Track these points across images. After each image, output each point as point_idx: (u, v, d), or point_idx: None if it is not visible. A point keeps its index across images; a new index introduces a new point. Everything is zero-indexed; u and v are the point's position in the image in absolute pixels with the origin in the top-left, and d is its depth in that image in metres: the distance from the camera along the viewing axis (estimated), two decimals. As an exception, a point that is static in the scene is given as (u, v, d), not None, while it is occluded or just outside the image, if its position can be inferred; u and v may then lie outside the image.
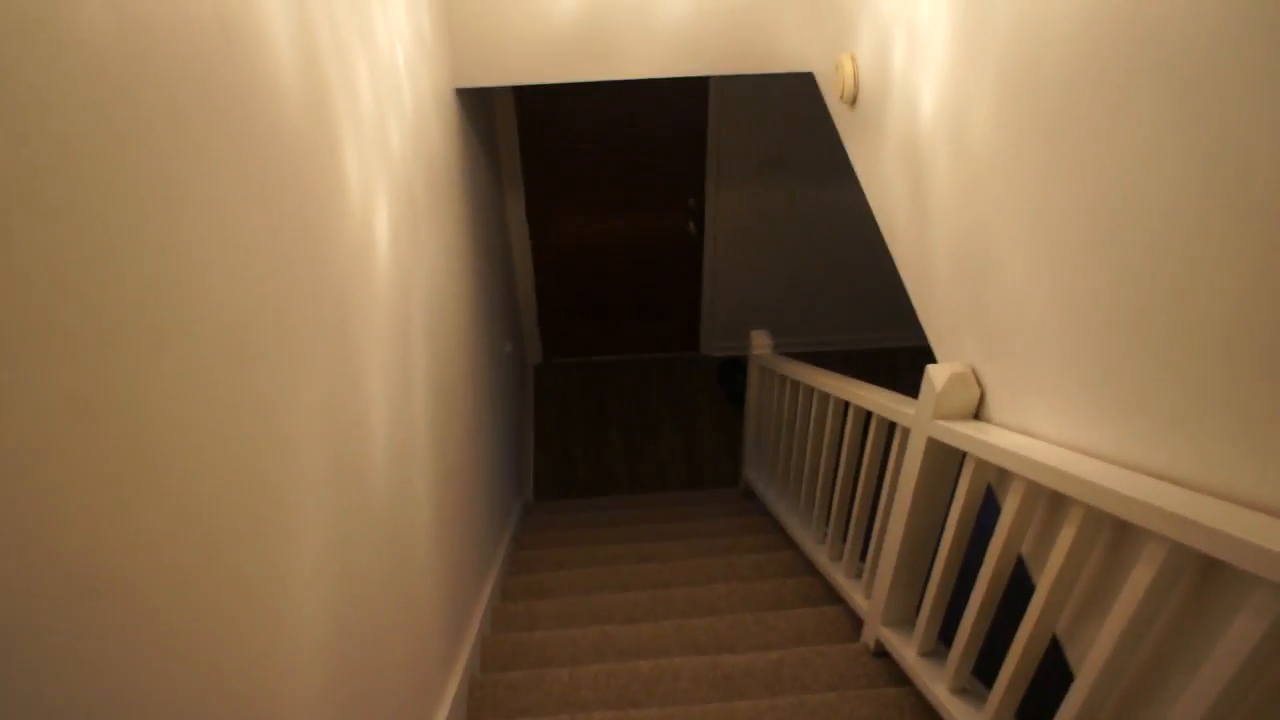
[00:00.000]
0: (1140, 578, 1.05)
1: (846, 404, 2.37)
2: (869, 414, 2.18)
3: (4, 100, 0.56)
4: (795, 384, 3.00)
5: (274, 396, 0.99)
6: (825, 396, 2.56)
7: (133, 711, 0.70)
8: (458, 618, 2.16)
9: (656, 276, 5.16)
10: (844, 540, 2.53)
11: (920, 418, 1.71)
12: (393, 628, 1.52)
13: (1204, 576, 1.01)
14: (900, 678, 2.07)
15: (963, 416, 1.63)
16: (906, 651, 1.95)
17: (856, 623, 2.39)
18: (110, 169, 0.67)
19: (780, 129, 4.52)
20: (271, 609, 0.98)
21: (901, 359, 5.24)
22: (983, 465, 1.55)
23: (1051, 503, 1.38)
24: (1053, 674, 1.46)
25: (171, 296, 0.75)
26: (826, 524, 2.69)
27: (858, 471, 2.30)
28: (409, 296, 1.74)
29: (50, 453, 0.60)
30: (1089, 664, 1.17)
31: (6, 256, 0.56)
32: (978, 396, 1.60)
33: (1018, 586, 1.53)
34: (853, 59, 2.15)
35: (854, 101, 2.19)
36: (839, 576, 2.49)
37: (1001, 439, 1.42)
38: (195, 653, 0.80)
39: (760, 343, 3.54)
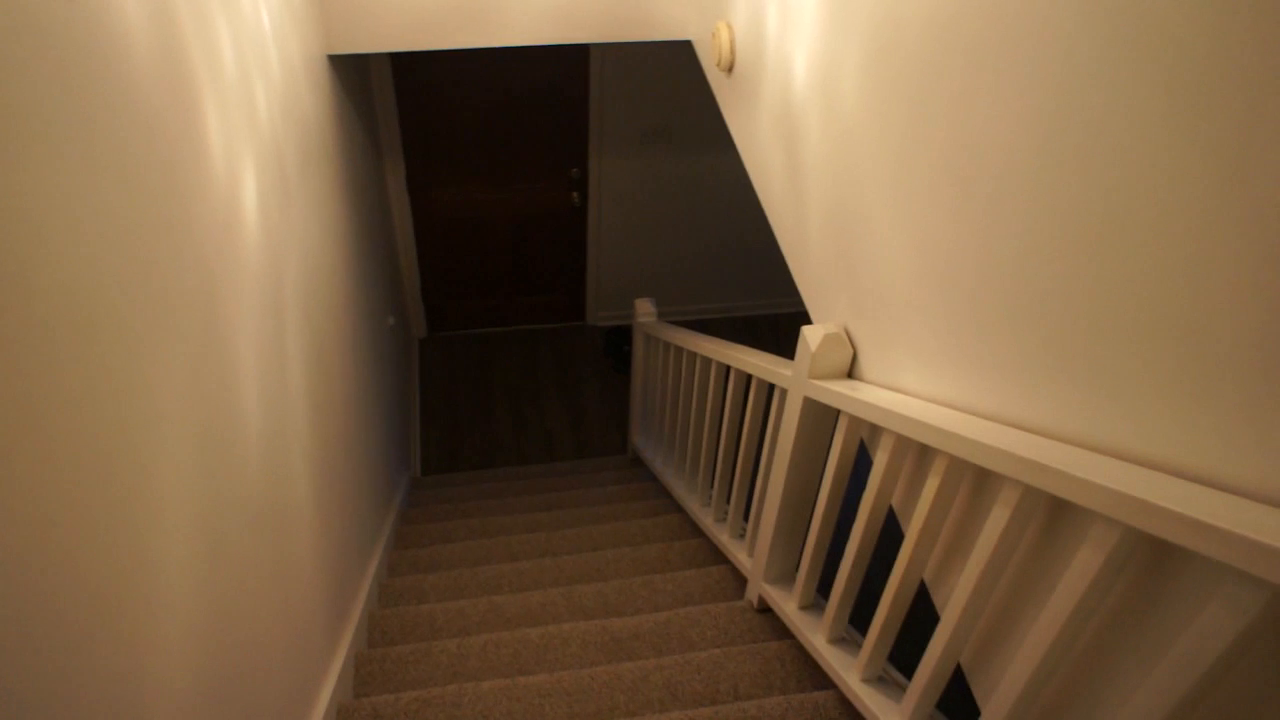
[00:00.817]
0: (997, 520, 1.11)
1: (728, 368, 2.42)
2: (750, 377, 2.23)
3: None
4: (679, 350, 3.04)
5: (132, 375, 0.95)
6: (707, 361, 2.61)
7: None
8: (342, 594, 2.13)
9: (541, 247, 5.13)
10: (728, 502, 2.59)
11: (796, 378, 1.76)
12: (272, 606, 1.49)
13: (1052, 516, 1.08)
14: (783, 631, 2.14)
15: (837, 375, 1.68)
16: (788, 606, 2.02)
17: (741, 581, 2.46)
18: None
19: (662, 98, 4.54)
20: (139, 591, 0.95)
21: (784, 325, 5.36)
22: (855, 422, 1.61)
23: (919, 455, 1.45)
24: (926, 623, 1.54)
25: (8, 268, 0.72)
26: (711, 487, 2.74)
27: (740, 434, 2.35)
28: (282, 269, 1.69)
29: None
30: (952, 604, 1.23)
31: None
32: (850, 356, 1.66)
33: (891, 540, 1.60)
34: (729, 26, 2.18)
35: (731, 69, 2.22)
36: (723, 537, 2.55)
37: (872, 395, 1.48)
38: (57, 641, 0.77)
39: (644, 310, 3.57)
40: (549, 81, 4.45)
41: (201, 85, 1.26)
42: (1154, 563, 0.91)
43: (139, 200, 0.99)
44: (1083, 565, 0.94)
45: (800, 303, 1.83)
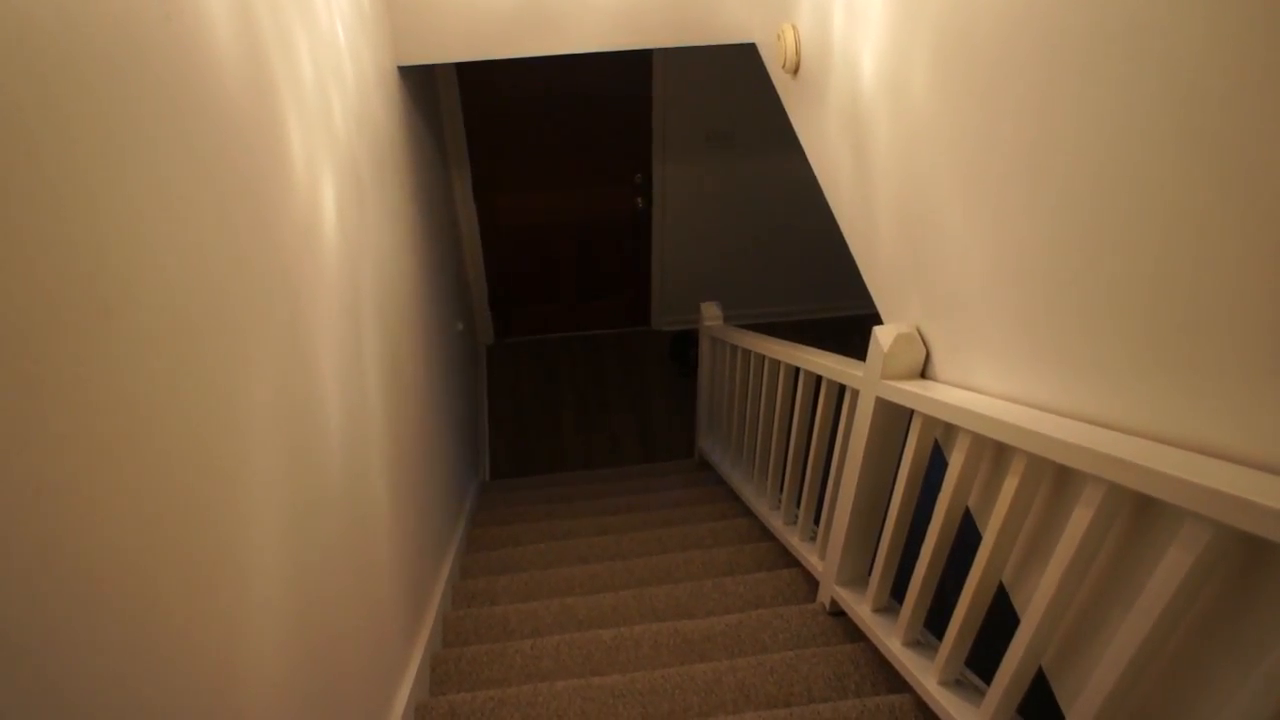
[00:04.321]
0: (1080, 519, 1.09)
1: (796, 370, 2.41)
2: (819, 379, 2.22)
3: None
4: (746, 353, 3.03)
5: (223, 376, 0.99)
6: (775, 363, 2.60)
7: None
8: (418, 596, 2.17)
9: (605, 252, 5.16)
10: (798, 504, 2.57)
11: (868, 379, 1.75)
12: (354, 608, 1.53)
13: (1138, 515, 1.06)
14: (856, 634, 2.12)
15: (909, 376, 1.67)
16: (861, 609, 2.00)
17: (812, 584, 2.44)
18: (53, 141, 0.66)
19: (726, 101, 4.54)
20: (229, 593, 0.98)
21: (850, 328, 5.32)
22: (930, 421, 1.59)
23: (996, 454, 1.43)
24: (1002, 626, 1.52)
25: (119, 270, 0.75)
26: (780, 490, 2.73)
27: (809, 436, 2.34)
28: (358, 275, 1.73)
29: None
30: (1033, 606, 1.21)
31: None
32: (923, 355, 1.64)
33: (966, 541, 1.57)
34: (794, 28, 2.17)
35: (796, 70, 2.22)
36: (794, 540, 2.53)
37: (947, 395, 1.46)
38: (149, 643, 0.80)
39: (711, 314, 3.57)
40: (612, 87, 4.48)
41: (284, 97, 1.30)
42: (1251, 561, 0.88)
43: (230, 208, 1.03)
44: (1172, 565, 0.92)
45: (866, 305, 1.83)
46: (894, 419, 1.78)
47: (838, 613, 2.22)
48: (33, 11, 0.64)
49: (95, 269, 0.71)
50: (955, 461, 1.47)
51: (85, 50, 0.72)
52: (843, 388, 2.01)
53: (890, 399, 1.68)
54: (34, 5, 0.65)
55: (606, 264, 5.21)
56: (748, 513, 3.19)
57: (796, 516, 2.58)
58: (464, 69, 4.26)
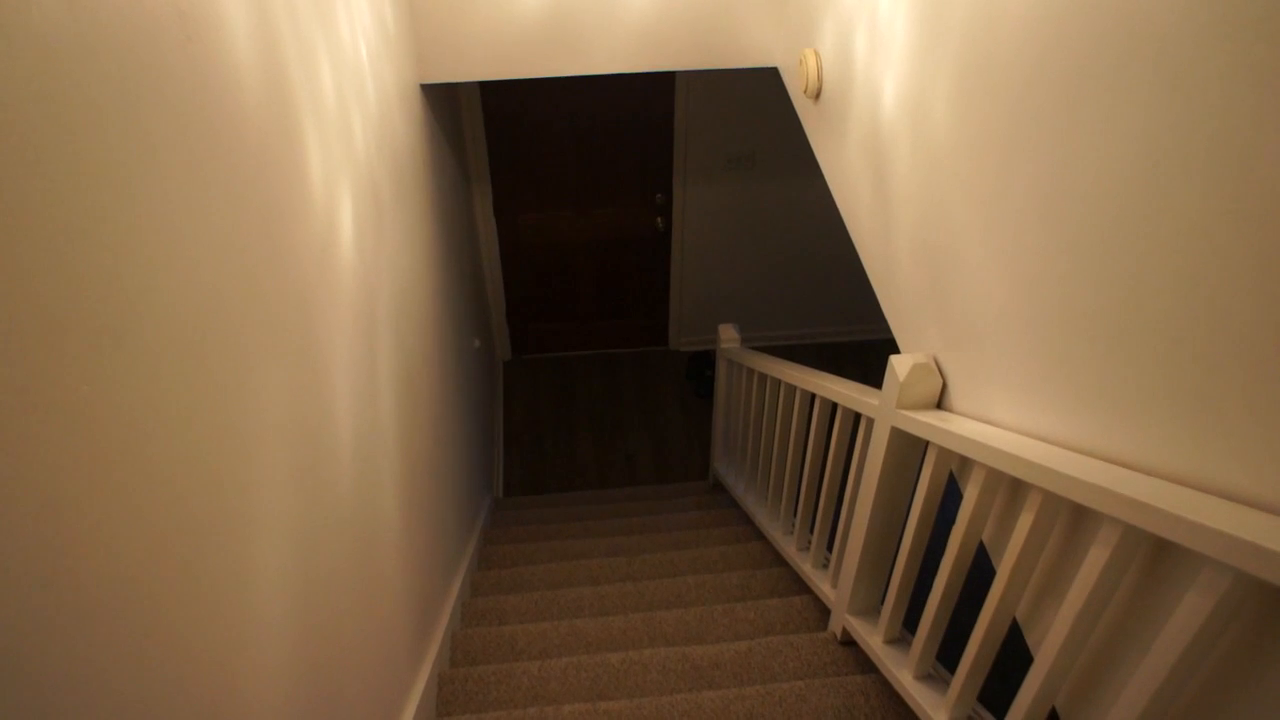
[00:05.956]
0: (1095, 560, 1.07)
1: (812, 396, 2.39)
2: (835, 405, 2.21)
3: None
4: (762, 377, 3.02)
5: (232, 400, 0.98)
6: (791, 388, 2.58)
7: None
8: (427, 613, 2.16)
9: (625, 271, 5.16)
10: (811, 531, 2.55)
11: (884, 408, 1.73)
12: (361, 626, 1.52)
13: (1156, 557, 1.04)
14: (867, 665, 2.10)
15: (925, 406, 1.65)
16: (872, 639, 1.98)
17: (824, 612, 2.42)
18: (63, 164, 0.66)
19: (747, 124, 4.54)
20: (232, 614, 0.97)
21: (869, 352, 5.29)
22: (945, 454, 1.58)
23: (1011, 489, 1.41)
24: (1016, 660, 1.49)
25: (128, 295, 0.75)
26: (794, 515, 2.71)
27: (824, 462, 2.32)
28: (374, 294, 1.73)
29: None
30: (1047, 645, 1.19)
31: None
32: (940, 386, 1.62)
33: (980, 573, 1.55)
34: (816, 54, 2.17)
35: (818, 96, 2.21)
36: (806, 567, 2.51)
37: (962, 427, 1.44)
38: (149, 663, 0.80)
39: (728, 336, 3.56)
40: (635, 107, 4.49)
41: (304, 117, 1.30)
42: (1275, 608, 0.86)
43: (244, 232, 1.03)
44: (1190, 610, 0.90)
45: (886, 330, 1.81)
46: (909, 449, 1.76)
47: (849, 642, 2.19)
48: (49, 33, 0.64)
49: (104, 292, 0.71)
50: (970, 495, 1.45)
51: (101, 73, 0.72)
52: (858, 416, 2.00)
53: (905, 429, 1.66)
54: (51, 27, 0.65)
55: (625, 283, 5.21)
56: (760, 537, 3.17)
57: (810, 543, 2.56)
58: (487, 86, 4.29)
